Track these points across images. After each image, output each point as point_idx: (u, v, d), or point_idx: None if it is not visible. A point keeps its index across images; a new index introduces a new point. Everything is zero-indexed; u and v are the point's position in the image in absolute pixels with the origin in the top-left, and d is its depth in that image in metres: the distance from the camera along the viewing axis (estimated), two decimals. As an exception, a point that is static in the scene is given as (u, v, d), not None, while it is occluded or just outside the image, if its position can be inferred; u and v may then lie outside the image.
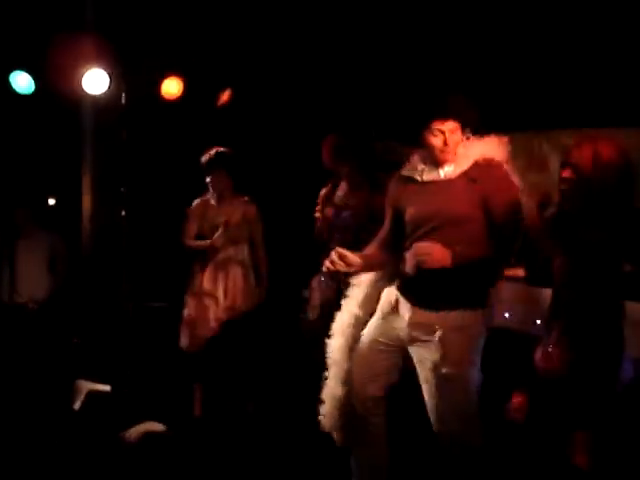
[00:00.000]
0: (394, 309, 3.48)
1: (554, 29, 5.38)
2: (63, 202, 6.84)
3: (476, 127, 3.42)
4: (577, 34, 5.36)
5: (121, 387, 5.18)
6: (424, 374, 3.37)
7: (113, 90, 5.58)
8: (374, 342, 3.54)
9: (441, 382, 3.30)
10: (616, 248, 2.99)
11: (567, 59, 5.39)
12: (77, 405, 4.59)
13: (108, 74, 5.46)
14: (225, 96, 6.13)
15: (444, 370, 3.28)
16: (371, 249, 3.67)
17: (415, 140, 3.43)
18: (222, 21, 6.09)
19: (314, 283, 4.76)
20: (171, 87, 5.79)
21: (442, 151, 3.36)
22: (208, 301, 5.10)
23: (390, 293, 3.53)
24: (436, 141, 3.34)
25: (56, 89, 5.61)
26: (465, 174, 3.35)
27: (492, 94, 5.60)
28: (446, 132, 3.33)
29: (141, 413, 4.60)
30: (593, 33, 5.31)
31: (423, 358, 3.37)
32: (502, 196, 3.29)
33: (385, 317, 3.53)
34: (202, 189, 5.19)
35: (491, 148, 3.39)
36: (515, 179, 3.36)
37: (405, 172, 3.53)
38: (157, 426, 4.34)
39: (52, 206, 6.90)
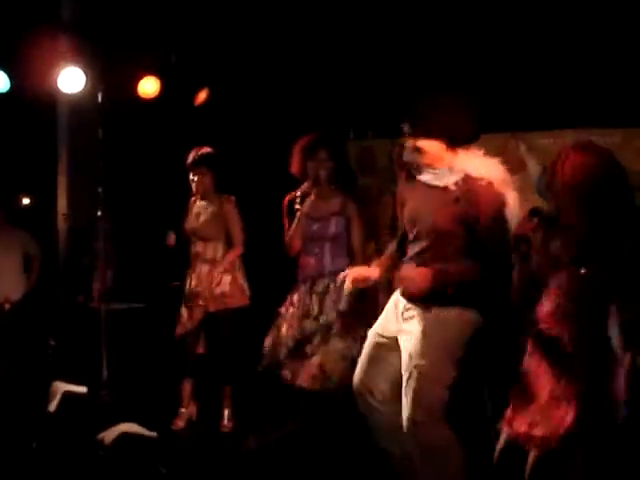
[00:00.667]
0: (394, 307, 3.54)
1: (531, 33, 5.41)
2: (38, 202, 6.78)
3: (467, 136, 3.39)
4: (554, 37, 5.40)
5: (97, 389, 5.15)
6: (404, 364, 3.41)
7: (89, 89, 5.53)
8: (375, 336, 3.60)
9: (414, 372, 3.34)
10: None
11: (543, 62, 5.43)
12: (53, 407, 4.53)
13: (84, 73, 5.42)
14: (202, 95, 6.11)
15: (418, 361, 3.32)
16: (390, 250, 3.75)
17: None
18: (199, 21, 6.07)
19: (294, 298, 4.61)
20: (148, 86, 5.76)
21: (422, 155, 3.39)
22: (184, 298, 5.11)
23: (395, 295, 3.59)
24: (415, 155, 3.41)
25: (31, 88, 5.56)
26: (454, 187, 3.33)
27: (469, 96, 5.63)
28: (419, 145, 3.38)
29: (118, 415, 4.58)
30: (570, 36, 5.35)
31: (405, 349, 3.42)
32: (485, 217, 3.28)
33: (387, 315, 3.59)
34: (180, 188, 5.16)
35: (486, 166, 3.36)
36: (509, 200, 3.31)
37: (411, 168, 3.54)
38: (134, 427, 4.32)
39: (27, 206, 6.84)
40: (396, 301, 3.53)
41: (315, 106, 5.90)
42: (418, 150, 3.38)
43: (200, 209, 5.10)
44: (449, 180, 3.35)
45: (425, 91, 3.47)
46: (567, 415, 2.96)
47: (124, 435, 4.18)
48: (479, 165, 3.34)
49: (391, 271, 3.65)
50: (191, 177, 5.04)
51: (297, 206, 4.54)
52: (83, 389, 4.73)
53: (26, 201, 6.83)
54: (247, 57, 6.07)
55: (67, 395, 4.57)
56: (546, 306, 3.04)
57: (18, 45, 5.47)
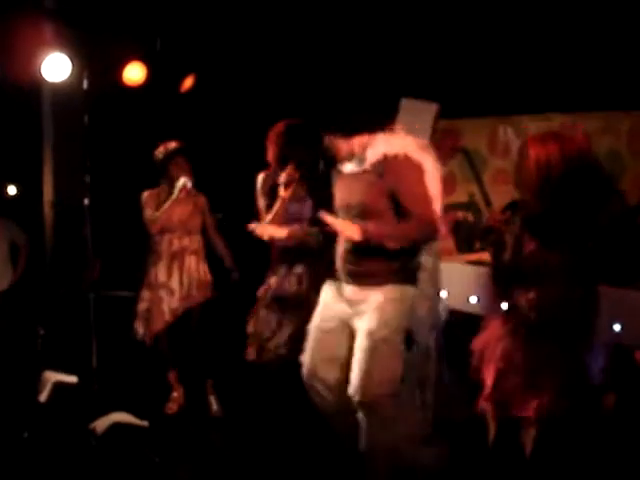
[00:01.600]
0: (334, 296, 3.75)
1: (518, 16, 5.41)
2: (23, 191, 6.73)
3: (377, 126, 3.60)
4: (540, 21, 5.40)
5: (88, 378, 5.14)
6: (359, 342, 3.60)
7: (74, 76, 5.47)
8: (318, 328, 3.80)
9: (374, 345, 3.52)
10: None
11: (530, 46, 5.43)
12: (43, 397, 4.52)
13: (69, 59, 5.37)
14: (188, 82, 6.08)
15: (377, 335, 3.53)
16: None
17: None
18: (184, 6, 6.02)
19: (272, 281, 4.63)
20: (134, 73, 5.71)
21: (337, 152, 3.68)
22: (163, 292, 5.07)
23: (328, 286, 3.82)
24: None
25: (15, 75, 5.50)
26: (374, 168, 3.55)
27: (457, 81, 5.63)
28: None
29: (108, 403, 4.57)
30: (556, 20, 5.35)
31: (361, 328, 3.61)
32: (407, 188, 3.51)
33: (325, 305, 3.80)
34: (161, 174, 5.14)
35: (399, 141, 3.56)
36: (427, 167, 3.53)
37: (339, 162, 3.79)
38: (125, 417, 4.32)
39: (13, 195, 6.79)
40: (336, 288, 3.75)
41: (301, 94, 5.88)
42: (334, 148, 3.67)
43: (174, 202, 5.03)
44: (368, 162, 3.57)
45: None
46: (548, 388, 3.00)
47: (116, 424, 4.18)
48: (391, 142, 3.54)
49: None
50: (171, 169, 5.03)
51: (282, 193, 4.48)
52: (73, 379, 4.72)
53: (12, 190, 6.77)
54: (233, 43, 6.03)
55: (58, 385, 4.57)
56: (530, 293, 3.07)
57: (1, 32, 5.41)
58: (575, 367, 3.07)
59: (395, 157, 3.51)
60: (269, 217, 4.52)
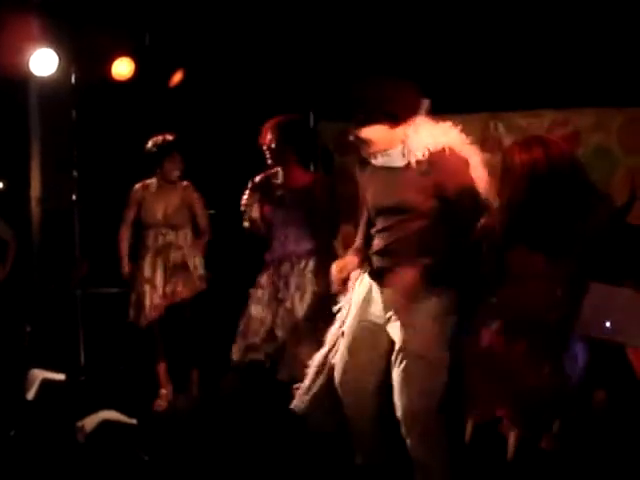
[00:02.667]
0: (368, 295, 3.48)
1: (510, 12, 5.39)
2: (11, 186, 6.66)
3: (414, 111, 3.32)
4: (531, 17, 5.39)
5: (76, 375, 5.10)
6: (395, 353, 3.35)
7: (62, 70, 5.44)
8: (356, 322, 3.51)
9: (409, 361, 3.28)
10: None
11: (521, 43, 5.42)
12: (31, 395, 4.48)
13: (57, 54, 5.32)
14: (177, 77, 6.04)
15: (411, 348, 3.27)
16: (359, 238, 3.66)
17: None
18: (173, 2, 5.98)
19: (262, 281, 4.59)
20: (122, 68, 5.68)
21: (369, 144, 3.32)
22: (146, 287, 5.05)
23: (364, 282, 3.52)
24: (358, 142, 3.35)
25: (2, 70, 5.44)
26: (417, 164, 3.25)
27: (448, 76, 5.61)
28: (363, 136, 3.30)
29: (96, 401, 4.54)
30: (547, 16, 5.34)
31: (396, 337, 3.36)
32: (457, 184, 3.22)
33: (361, 305, 3.51)
34: (150, 169, 5.11)
35: (443, 133, 3.29)
36: (472, 162, 3.27)
37: (364, 154, 3.45)
38: (114, 414, 4.29)
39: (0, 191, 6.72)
40: (370, 290, 3.46)
41: (291, 87, 5.85)
42: (363, 141, 3.31)
43: (159, 197, 5.04)
44: (409, 157, 3.26)
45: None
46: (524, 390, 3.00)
47: (104, 422, 4.15)
48: (434, 134, 3.26)
49: (362, 264, 3.58)
50: (161, 164, 5.00)
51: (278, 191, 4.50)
52: (61, 376, 4.69)
53: (-1, 186, 6.71)
54: (222, 38, 5.99)
55: (45, 382, 4.53)
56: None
57: (-12, 27, 5.36)
58: (553, 367, 3.05)
59: (442, 152, 3.22)
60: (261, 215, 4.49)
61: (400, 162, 3.29)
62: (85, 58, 5.50)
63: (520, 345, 3.06)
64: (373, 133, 3.28)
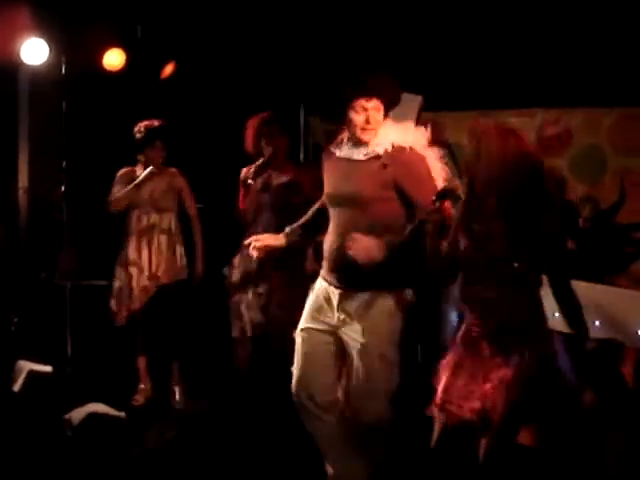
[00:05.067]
0: (319, 300, 3.48)
1: (503, 11, 5.40)
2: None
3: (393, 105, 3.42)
4: (524, 17, 5.39)
5: (63, 367, 5.07)
6: (356, 354, 3.38)
7: (52, 61, 5.39)
8: (307, 331, 3.52)
9: (366, 361, 3.34)
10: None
11: (513, 42, 5.43)
12: (17, 386, 4.45)
13: (47, 44, 5.28)
14: (168, 69, 6.01)
15: (372, 348, 3.33)
16: (304, 218, 3.74)
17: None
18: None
19: (235, 261, 4.91)
20: (113, 58, 5.64)
21: (364, 129, 3.33)
22: (133, 270, 5.00)
23: (319, 287, 3.52)
24: (358, 119, 3.31)
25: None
26: (377, 158, 3.33)
27: (440, 74, 5.61)
28: (369, 110, 3.30)
29: (83, 393, 4.52)
30: (540, 16, 5.35)
31: (353, 338, 3.38)
32: (413, 180, 3.32)
33: (316, 307, 3.50)
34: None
35: (407, 134, 3.39)
36: (430, 161, 3.36)
37: (331, 146, 3.53)
38: (101, 407, 4.27)
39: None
40: (325, 294, 3.45)
41: (281, 81, 5.84)
42: (367, 122, 3.31)
43: (146, 180, 4.98)
44: (375, 151, 3.33)
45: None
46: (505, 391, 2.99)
47: (92, 415, 4.14)
48: (400, 132, 3.36)
49: (303, 240, 3.79)
50: (144, 151, 4.98)
51: (249, 181, 4.89)
52: (48, 368, 4.66)
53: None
54: (213, 30, 5.97)
55: (32, 374, 4.51)
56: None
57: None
58: (521, 362, 3.04)
59: (402, 149, 3.32)
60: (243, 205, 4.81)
61: (361, 156, 3.37)
62: (76, 48, 5.45)
63: (486, 341, 3.05)
64: (380, 120, 3.33)
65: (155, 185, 5.01)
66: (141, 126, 4.98)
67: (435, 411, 3.18)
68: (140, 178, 4.95)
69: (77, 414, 4.15)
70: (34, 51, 5.29)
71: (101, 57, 5.61)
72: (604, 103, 5.26)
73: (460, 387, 3.09)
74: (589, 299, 4.06)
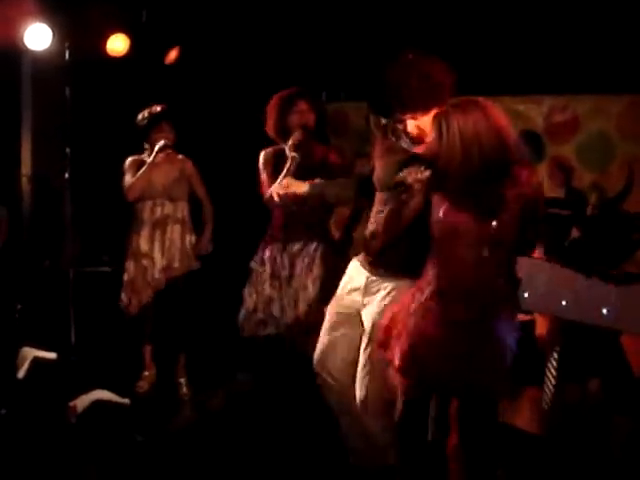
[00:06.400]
0: (351, 280, 3.56)
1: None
2: (2, 163, 6.59)
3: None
4: (531, 2, 5.35)
5: (68, 354, 5.06)
6: (365, 339, 3.44)
7: (56, 46, 5.35)
8: (334, 307, 3.61)
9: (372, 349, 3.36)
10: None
11: (520, 27, 5.38)
12: (22, 373, 4.44)
13: (51, 29, 5.24)
14: (173, 54, 5.98)
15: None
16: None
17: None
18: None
19: (265, 256, 4.57)
20: (117, 44, 5.61)
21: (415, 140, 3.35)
22: (145, 262, 4.97)
23: (350, 267, 3.60)
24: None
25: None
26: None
27: (445, 60, 5.56)
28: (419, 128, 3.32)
29: (87, 380, 4.50)
30: (547, 1, 5.31)
31: (366, 323, 3.44)
32: None
33: (346, 285, 3.58)
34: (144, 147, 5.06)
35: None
36: None
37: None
38: (106, 394, 4.26)
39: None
40: (357, 272, 3.51)
41: (287, 67, 5.80)
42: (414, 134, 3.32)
43: (157, 168, 4.92)
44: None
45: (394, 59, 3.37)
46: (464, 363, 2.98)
47: (96, 402, 4.13)
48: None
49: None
50: (151, 135, 4.91)
51: (293, 154, 4.26)
52: (53, 355, 4.64)
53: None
54: (219, 15, 5.94)
55: (37, 361, 4.49)
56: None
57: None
58: (490, 340, 3.02)
59: None
60: (281, 177, 4.17)
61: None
62: (80, 34, 5.41)
63: (456, 311, 3.03)
64: (426, 123, 3.27)
65: (167, 174, 4.97)
66: (144, 112, 4.95)
67: (396, 382, 3.19)
68: (153, 155, 4.86)
69: (81, 401, 4.13)
70: (37, 36, 5.25)
71: (105, 42, 5.59)
72: (612, 90, 5.22)
73: (428, 359, 3.07)
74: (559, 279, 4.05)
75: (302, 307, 4.38)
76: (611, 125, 5.27)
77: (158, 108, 4.94)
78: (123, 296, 5.04)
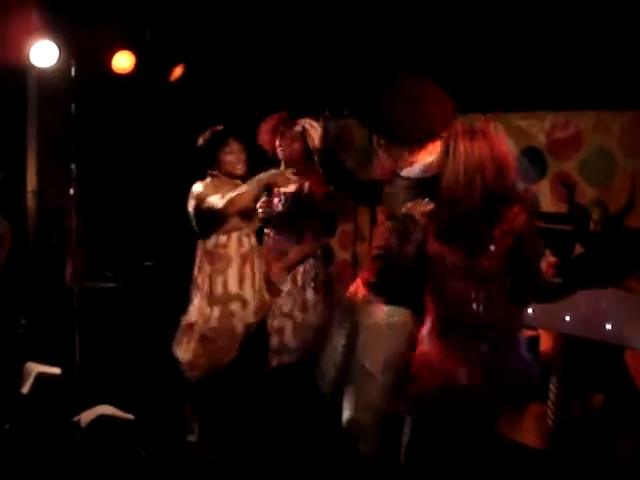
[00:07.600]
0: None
1: (510, 13, 5.38)
2: (6, 179, 6.63)
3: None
4: (532, 19, 5.38)
5: (71, 370, 5.07)
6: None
7: (62, 63, 5.40)
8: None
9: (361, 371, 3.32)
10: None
11: (521, 44, 5.41)
12: (26, 389, 4.44)
13: (57, 46, 5.29)
14: (178, 71, 6.02)
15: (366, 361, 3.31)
16: None
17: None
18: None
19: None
20: (122, 61, 5.66)
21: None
22: (233, 306, 4.24)
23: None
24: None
25: (2, 60, 5.41)
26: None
27: (447, 76, 5.59)
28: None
29: (91, 396, 4.51)
30: (548, 18, 5.33)
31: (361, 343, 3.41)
32: None
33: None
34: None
35: None
36: None
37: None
38: (110, 409, 4.26)
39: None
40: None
41: (291, 83, 5.83)
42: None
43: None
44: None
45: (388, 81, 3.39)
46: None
47: (100, 417, 4.12)
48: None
49: None
50: (222, 156, 4.27)
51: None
52: (57, 370, 4.65)
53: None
54: (223, 33, 5.98)
55: (40, 376, 4.49)
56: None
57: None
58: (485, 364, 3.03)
59: None
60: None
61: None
62: (86, 51, 5.46)
63: (451, 342, 3.04)
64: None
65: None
66: (205, 134, 4.35)
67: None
68: (254, 185, 4.13)
69: (86, 416, 4.13)
70: (44, 54, 5.31)
71: (110, 59, 5.65)
72: (614, 106, 5.23)
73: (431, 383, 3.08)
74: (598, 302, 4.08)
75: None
76: (613, 141, 5.27)
77: (220, 127, 4.37)
78: (189, 357, 4.25)
